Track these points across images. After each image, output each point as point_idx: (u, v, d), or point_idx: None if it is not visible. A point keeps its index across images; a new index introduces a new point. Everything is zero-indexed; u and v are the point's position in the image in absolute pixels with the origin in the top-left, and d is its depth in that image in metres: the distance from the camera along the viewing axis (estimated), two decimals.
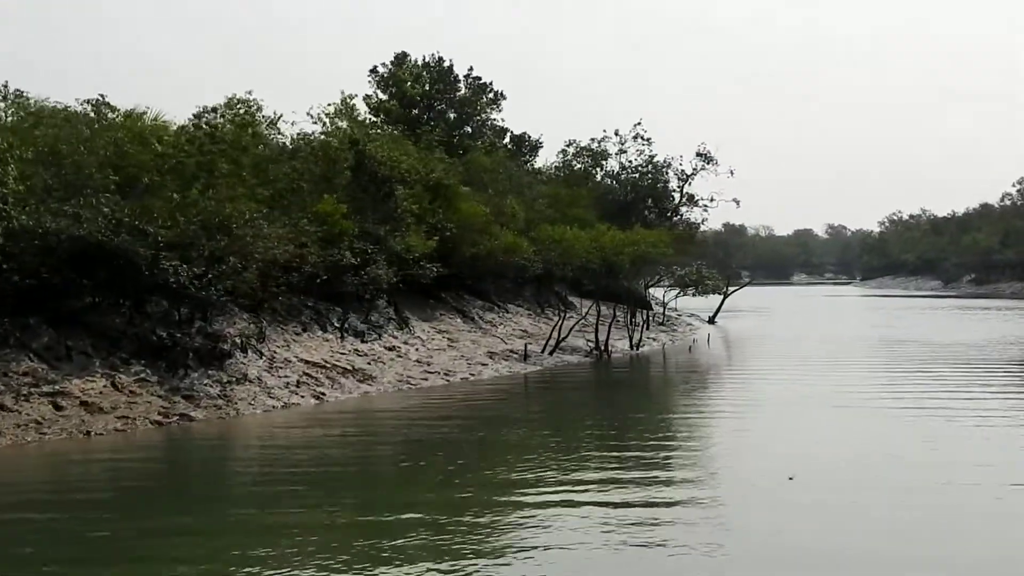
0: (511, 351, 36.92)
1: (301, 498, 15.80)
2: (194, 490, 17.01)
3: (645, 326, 50.11)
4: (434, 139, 48.72)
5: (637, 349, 42.93)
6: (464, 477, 17.40)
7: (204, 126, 26.53)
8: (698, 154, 69.26)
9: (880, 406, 25.37)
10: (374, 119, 56.06)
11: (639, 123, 70.30)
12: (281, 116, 39.39)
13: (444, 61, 61.18)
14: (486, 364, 34.16)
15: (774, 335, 53.93)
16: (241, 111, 37.48)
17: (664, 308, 58.34)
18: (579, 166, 69.84)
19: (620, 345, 42.62)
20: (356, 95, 40.89)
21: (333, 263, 30.95)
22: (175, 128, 26.75)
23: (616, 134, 69.53)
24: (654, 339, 47.48)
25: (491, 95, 62.91)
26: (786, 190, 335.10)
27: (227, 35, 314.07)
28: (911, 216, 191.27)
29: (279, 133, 38.68)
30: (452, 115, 61.17)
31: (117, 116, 26.64)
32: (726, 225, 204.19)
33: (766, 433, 22.13)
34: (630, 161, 69.51)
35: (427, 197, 37.83)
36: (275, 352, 27.68)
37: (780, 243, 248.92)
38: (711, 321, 63.90)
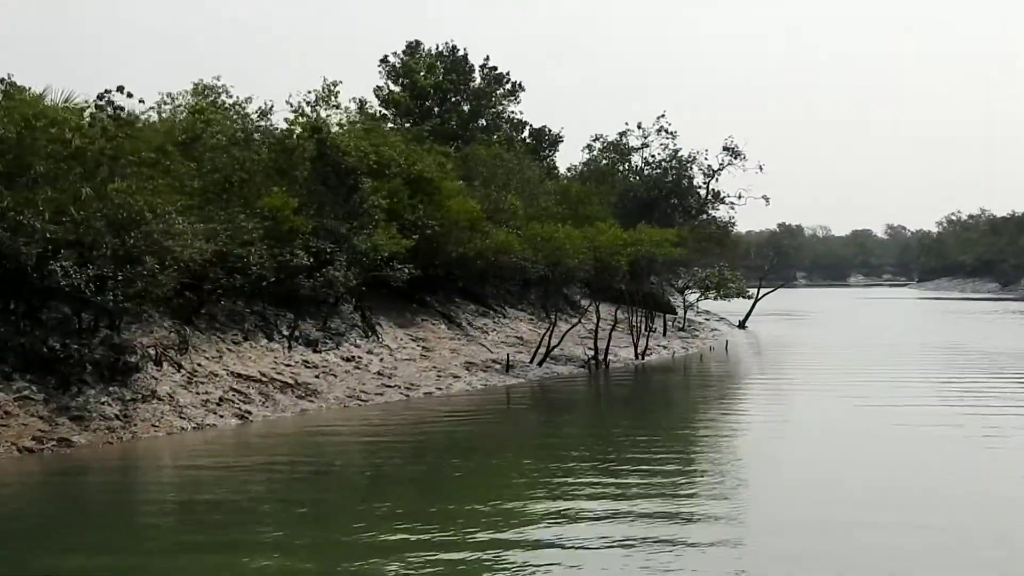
0: (494, 361, 33.46)
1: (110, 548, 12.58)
2: None
3: (662, 332, 46.47)
4: (424, 130, 45.32)
5: (642, 358, 39.25)
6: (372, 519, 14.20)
7: (108, 107, 23.40)
8: (724, 148, 64.98)
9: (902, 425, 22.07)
10: (384, 111, 53.15)
11: (663, 115, 66.57)
12: (272, 106, 36.88)
13: (458, 50, 58.18)
14: (459, 376, 30.69)
15: (806, 342, 49.71)
16: (209, 98, 34.83)
17: (685, 312, 54.52)
18: (605, 162, 66.24)
19: (624, 354, 38.98)
20: (340, 81, 37.70)
21: (283, 263, 27.76)
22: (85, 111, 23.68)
23: (639, 127, 65.72)
24: (664, 347, 43.66)
25: (508, 86, 59.80)
26: (845, 190, 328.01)
27: (227, 35, 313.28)
28: (970, 216, 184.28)
29: (270, 123, 36.16)
30: (466, 107, 58.11)
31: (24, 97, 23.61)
32: (781, 225, 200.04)
33: (756, 468, 18.59)
34: (653, 156, 65.60)
35: (407, 192, 34.50)
36: (199, 365, 24.48)
37: (837, 244, 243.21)
38: (741, 326, 60.01)
